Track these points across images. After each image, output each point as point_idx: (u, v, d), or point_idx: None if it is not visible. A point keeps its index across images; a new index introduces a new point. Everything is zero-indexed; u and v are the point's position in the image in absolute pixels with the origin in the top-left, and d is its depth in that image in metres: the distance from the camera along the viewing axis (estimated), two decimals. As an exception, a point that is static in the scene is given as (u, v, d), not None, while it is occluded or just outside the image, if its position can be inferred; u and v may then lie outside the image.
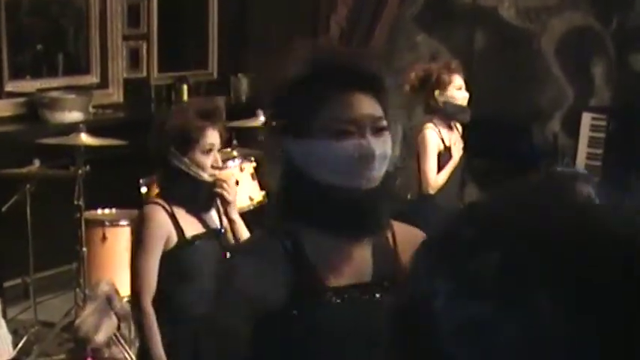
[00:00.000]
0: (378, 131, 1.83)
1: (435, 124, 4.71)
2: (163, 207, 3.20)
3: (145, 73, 6.68)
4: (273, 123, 1.91)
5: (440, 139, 4.72)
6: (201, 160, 3.21)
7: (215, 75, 7.21)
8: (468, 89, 4.73)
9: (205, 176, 3.23)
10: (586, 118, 5.97)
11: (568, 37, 6.39)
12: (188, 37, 7.17)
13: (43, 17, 6.04)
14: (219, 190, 3.27)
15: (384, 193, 1.85)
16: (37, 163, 4.92)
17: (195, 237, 3.24)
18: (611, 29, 6.30)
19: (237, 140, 5.27)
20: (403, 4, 6.65)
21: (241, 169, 5.01)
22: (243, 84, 7.00)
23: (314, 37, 6.63)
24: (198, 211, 3.31)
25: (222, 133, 3.30)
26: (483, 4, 6.57)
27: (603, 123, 5.86)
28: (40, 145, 4.93)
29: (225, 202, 3.30)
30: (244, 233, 3.35)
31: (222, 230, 3.37)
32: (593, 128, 5.93)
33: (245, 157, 5.05)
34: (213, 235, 3.32)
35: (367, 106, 1.83)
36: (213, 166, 3.25)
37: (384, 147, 1.82)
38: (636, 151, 5.47)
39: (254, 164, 5.13)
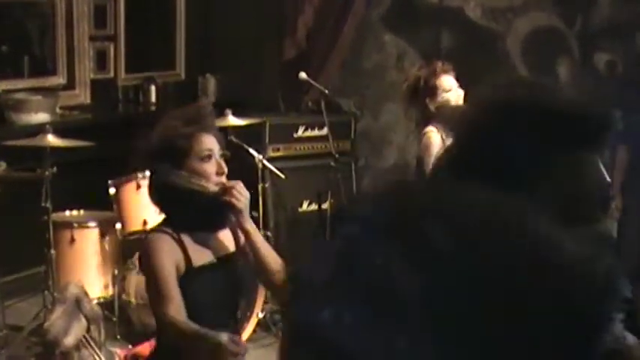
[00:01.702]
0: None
1: (437, 129, 4.68)
2: (170, 235, 2.93)
3: (112, 74, 6.66)
4: None
5: (442, 141, 4.69)
6: (200, 168, 2.93)
7: (183, 75, 7.20)
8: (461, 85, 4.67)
9: (210, 186, 2.94)
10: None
11: (533, 36, 6.45)
12: (155, 37, 7.15)
13: (7, 18, 6.00)
14: (227, 197, 2.93)
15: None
16: (3, 165, 4.89)
17: (203, 268, 2.96)
18: (575, 29, 6.36)
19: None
20: (370, 4, 6.68)
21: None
22: (211, 84, 7.00)
23: (280, 37, 6.66)
24: (210, 231, 3.03)
25: (219, 136, 3.04)
26: (449, 4, 6.61)
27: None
28: (6, 147, 4.90)
29: (236, 211, 2.96)
30: (262, 245, 3.02)
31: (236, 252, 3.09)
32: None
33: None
34: (223, 263, 3.03)
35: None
36: (218, 173, 2.96)
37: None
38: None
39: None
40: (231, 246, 3.09)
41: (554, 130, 1.36)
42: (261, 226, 5.44)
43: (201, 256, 2.97)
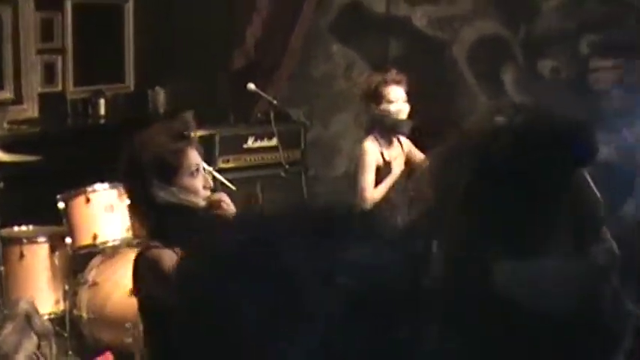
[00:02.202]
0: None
1: (375, 138, 4.72)
2: (171, 249, 2.81)
3: (60, 88, 6.61)
4: None
5: (379, 153, 4.72)
6: (189, 183, 2.92)
7: (132, 88, 7.18)
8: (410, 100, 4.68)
9: (199, 201, 2.92)
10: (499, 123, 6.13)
11: (479, 45, 6.55)
12: (104, 50, 7.12)
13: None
14: (217, 211, 2.92)
15: None
16: (-50, 181, 4.84)
17: None
18: (520, 37, 6.48)
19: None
20: (317, 14, 6.73)
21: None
22: (160, 96, 6.99)
23: (229, 49, 6.67)
24: None
25: (200, 150, 3.04)
26: (396, 13, 6.69)
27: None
28: (-47, 163, 4.85)
29: None
30: None
31: None
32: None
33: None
34: None
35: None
36: (205, 187, 2.97)
37: None
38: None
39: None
40: None
41: (561, 152, 1.38)
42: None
43: None
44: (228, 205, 2.95)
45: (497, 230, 1.29)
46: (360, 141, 4.93)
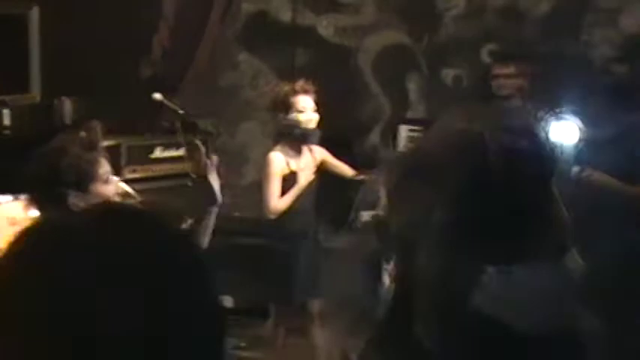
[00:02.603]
0: None
1: (283, 147, 4.73)
2: None
3: (-38, 98, 6.49)
4: None
5: (286, 163, 4.74)
6: (104, 191, 3.06)
7: (38, 98, 7.07)
8: (319, 110, 4.71)
9: None
10: (403, 130, 6.24)
11: (383, 54, 6.66)
12: (8, 60, 7.00)
13: None
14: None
15: None
16: None
17: None
18: (423, 46, 6.61)
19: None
20: (224, 23, 6.75)
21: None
22: (67, 106, 6.90)
23: (135, 58, 6.64)
24: None
25: (108, 158, 3.17)
26: (302, 22, 6.75)
27: (419, 134, 6.14)
28: None
29: None
30: None
31: None
32: (410, 139, 6.20)
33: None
34: None
35: None
36: (118, 194, 3.15)
37: None
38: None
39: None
40: None
41: (541, 167, 1.38)
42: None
43: None
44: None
45: (480, 247, 1.27)
46: (267, 150, 4.97)
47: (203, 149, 4.32)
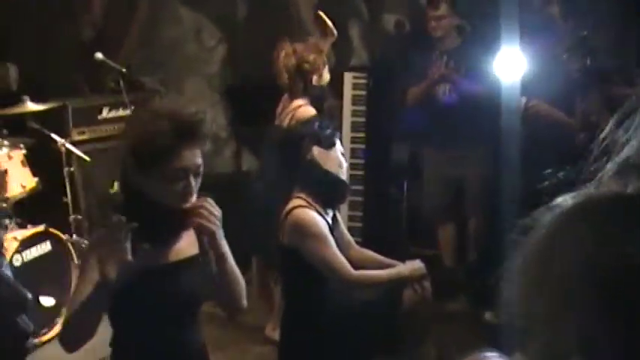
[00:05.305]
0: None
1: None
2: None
3: None
4: None
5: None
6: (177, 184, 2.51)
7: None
8: None
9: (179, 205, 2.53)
10: (348, 78, 6.28)
11: (324, 1, 6.68)
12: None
13: None
14: (196, 219, 2.50)
15: None
16: None
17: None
18: (363, -8, 6.65)
19: (6, 129, 5.21)
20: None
21: (9, 157, 4.98)
22: (12, 72, 6.84)
23: (76, 18, 6.59)
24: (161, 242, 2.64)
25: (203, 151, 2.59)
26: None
27: (363, 81, 6.20)
28: None
29: (206, 233, 2.53)
30: (233, 270, 2.63)
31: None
32: (355, 86, 6.26)
33: (14, 145, 5.04)
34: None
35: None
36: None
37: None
38: (393, 103, 5.86)
39: (24, 151, 5.10)
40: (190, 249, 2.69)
41: None
42: (71, 211, 5.43)
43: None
44: (211, 213, 2.50)
45: None
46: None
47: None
